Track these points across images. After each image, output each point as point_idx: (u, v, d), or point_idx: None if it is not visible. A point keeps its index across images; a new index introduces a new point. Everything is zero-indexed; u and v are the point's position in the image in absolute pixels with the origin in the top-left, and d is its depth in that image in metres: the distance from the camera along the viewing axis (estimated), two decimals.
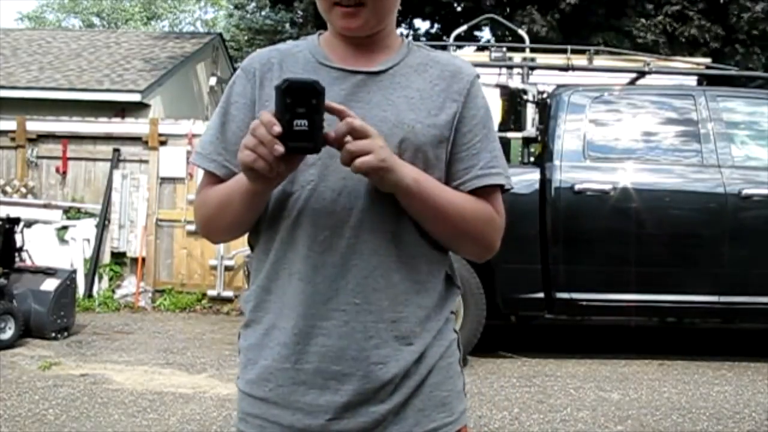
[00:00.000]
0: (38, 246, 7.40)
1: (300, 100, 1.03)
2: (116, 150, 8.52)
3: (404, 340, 1.21)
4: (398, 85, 1.24)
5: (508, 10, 10.77)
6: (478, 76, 1.30)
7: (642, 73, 6.72)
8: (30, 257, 6.87)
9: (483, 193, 1.25)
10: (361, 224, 1.19)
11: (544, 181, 5.39)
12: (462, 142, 1.25)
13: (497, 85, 6.31)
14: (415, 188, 1.17)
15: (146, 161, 8.49)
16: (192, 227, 8.30)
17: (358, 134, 1.10)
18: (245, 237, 1.33)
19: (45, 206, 8.19)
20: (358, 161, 1.10)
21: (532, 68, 6.54)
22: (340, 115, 1.11)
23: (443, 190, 1.22)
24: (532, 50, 7.40)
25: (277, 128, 1.03)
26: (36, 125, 8.71)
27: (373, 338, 1.20)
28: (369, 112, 1.20)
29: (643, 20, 10.61)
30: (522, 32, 8.52)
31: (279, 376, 1.22)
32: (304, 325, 1.20)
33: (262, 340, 1.24)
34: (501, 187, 1.28)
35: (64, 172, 8.61)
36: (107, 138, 8.61)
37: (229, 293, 8.20)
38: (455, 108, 1.25)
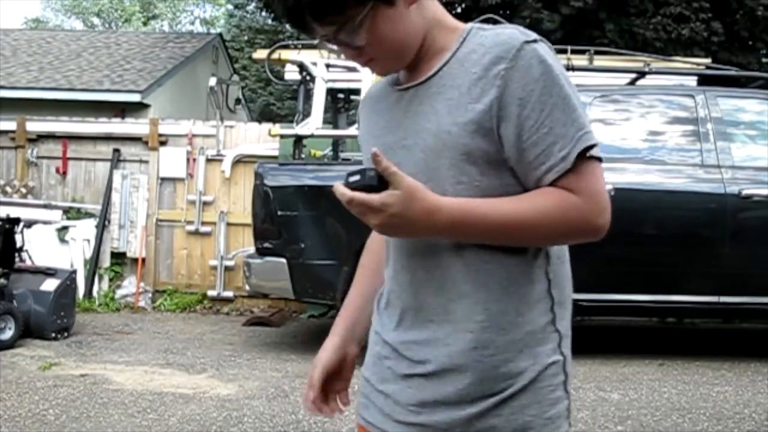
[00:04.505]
0: (38, 246, 7.41)
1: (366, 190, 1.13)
2: (116, 150, 8.53)
3: (486, 351, 1.19)
4: (443, 87, 1.19)
5: (508, 11, 10.77)
6: (529, 42, 1.14)
7: (642, 74, 6.71)
8: (30, 257, 6.87)
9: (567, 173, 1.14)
10: (422, 240, 1.20)
11: None
12: (528, 125, 1.13)
13: None
14: (451, 233, 1.16)
15: (146, 161, 8.50)
16: (192, 227, 8.31)
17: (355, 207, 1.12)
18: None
19: (45, 206, 8.20)
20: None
21: None
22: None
23: (495, 211, 1.14)
24: None
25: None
26: (36, 125, 8.72)
27: (450, 346, 1.20)
28: (419, 125, 1.21)
29: (640, 20, 10.63)
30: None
31: (377, 363, 1.31)
32: (401, 327, 1.27)
33: (378, 330, 1.34)
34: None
35: (64, 173, 8.62)
36: (107, 138, 8.62)
37: (229, 293, 8.20)
38: (494, 93, 1.13)
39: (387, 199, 1.09)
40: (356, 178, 1.12)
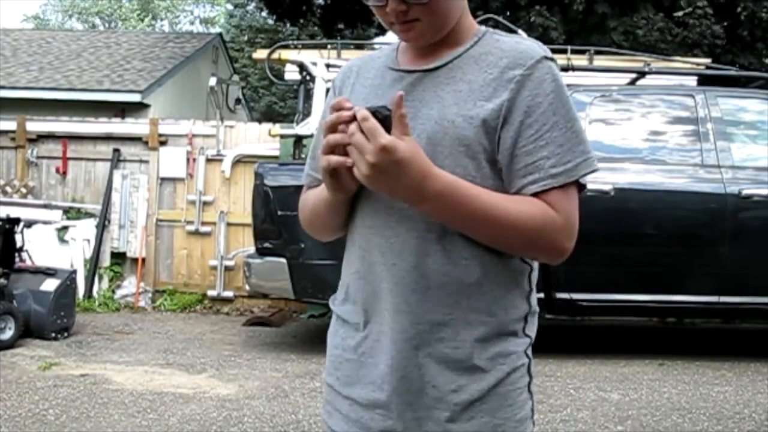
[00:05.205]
0: (38, 246, 7.40)
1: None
2: (116, 150, 8.53)
3: (450, 344, 1.18)
4: (452, 79, 1.20)
5: (508, 12, 10.77)
6: (547, 59, 1.19)
7: (642, 74, 6.72)
8: (30, 257, 6.87)
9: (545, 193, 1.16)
10: (401, 222, 1.18)
11: None
12: (527, 135, 1.16)
13: None
14: (431, 201, 1.12)
15: (146, 161, 8.50)
16: (192, 227, 8.31)
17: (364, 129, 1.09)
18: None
19: (45, 206, 8.20)
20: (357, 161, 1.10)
21: None
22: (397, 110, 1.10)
23: (482, 197, 1.14)
24: None
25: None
26: (36, 125, 8.72)
27: (412, 339, 1.18)
28: (419, 111, 1.20)
29: (643, 20, 10.64)
30: (522, 33, 8.52)
31: (340, 367, 1.28)
32: (362, 322, 1.25)
33: (335, 332, 1.32)
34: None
35: (64, 173, 8.62)
36: (107, 138, 8.62)
37: (229, 293, 8.20)
38: (506, 95, 1.16)
39: (396, 143, 1.07)
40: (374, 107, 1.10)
